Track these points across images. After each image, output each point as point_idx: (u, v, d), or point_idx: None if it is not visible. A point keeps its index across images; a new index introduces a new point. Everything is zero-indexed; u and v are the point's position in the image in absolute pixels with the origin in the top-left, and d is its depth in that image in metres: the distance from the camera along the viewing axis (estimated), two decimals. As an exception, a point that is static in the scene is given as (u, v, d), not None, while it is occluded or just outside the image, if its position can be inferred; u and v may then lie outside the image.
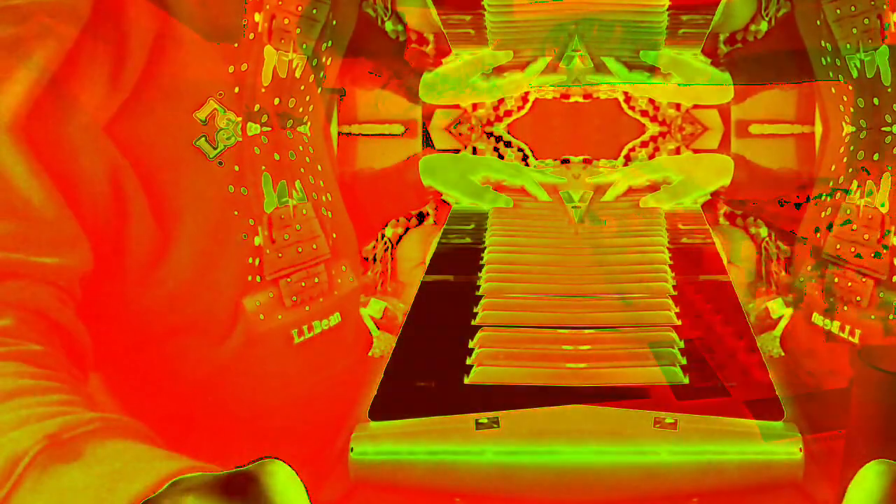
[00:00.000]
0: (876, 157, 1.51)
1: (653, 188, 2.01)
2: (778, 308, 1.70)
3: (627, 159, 2.02)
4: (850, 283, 1.51)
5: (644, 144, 2.03)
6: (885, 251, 1.46)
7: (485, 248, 1.88)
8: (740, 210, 1.91)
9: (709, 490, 1.24)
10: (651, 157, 2.02)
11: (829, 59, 1.59)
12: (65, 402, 0.87)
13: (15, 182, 1.05)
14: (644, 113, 2.02)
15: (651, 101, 2.01)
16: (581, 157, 2.02)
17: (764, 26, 1.83)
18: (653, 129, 2.03)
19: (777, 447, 1.25)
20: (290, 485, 0.65)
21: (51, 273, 1.07)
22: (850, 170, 1.58)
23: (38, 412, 0.83)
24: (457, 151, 2.02)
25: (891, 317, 1.45)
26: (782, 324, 1.68)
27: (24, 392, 0.86)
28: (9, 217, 1.05)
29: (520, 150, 2.05)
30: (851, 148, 1.59)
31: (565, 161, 2.05)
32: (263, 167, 1.45)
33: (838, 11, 1.53)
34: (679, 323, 1.57)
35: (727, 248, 1.88)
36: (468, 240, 1.96)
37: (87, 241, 1.13)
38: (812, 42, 1.64)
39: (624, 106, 2.02)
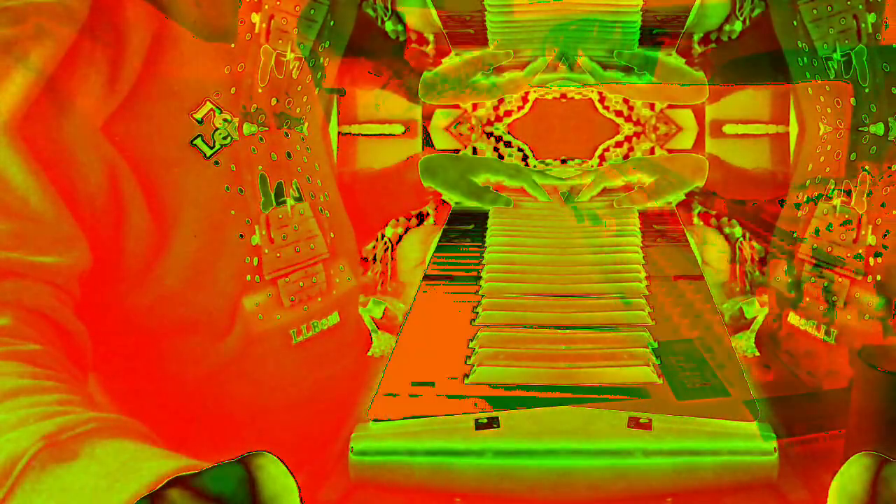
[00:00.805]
0: (853, 157, 1.51)
1: (627, 189, 2.01)
2: (752, 308, 1.70)
3: (602, 159, 2.02)
4: (826, 283, 1.51)
5: (619, 144, 2.03)
6: (862, 251, 1.45)
7: (485, 248, 1.88)
8: (715, 210, 1.91)
9: (683, 490, 1.23)
10: (626, 157, 2.02)
11: (805, 60, 1.59)
12: (63, 401, 0.87)
13: (13, 182, 1.06)
14: (619, 113, 2.02)
15: (626, 101, 2.00)
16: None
17: (738, 26, 1.82)
18: (627, 129, 2.03)
19: (752, 447, 1.25)
20: (279, 478, 0.64)
21: (49, 272, 1.07)
22: (827, 170, 1.57)
23: (37, 412, 0.83)
24: (457, 151, 2.02)
25: (867, 316, 1.44)
26: (756, 324, 1.68)
27: (23, 392, 0.86)
28: (7, 217, 1.05)
29: (520, 150, 2.05)
30: (828, 148, 1.58)
31: (565, 161, 2.05)
32: (260, 167, 1.45)
33: (815, 12, 1.53)
34: (653, 323, 1.57)
35: (701, 248, 1.88)
36: (468, 240, 1.97)
37: (85, 240, 1.13)
38: (788, 42, 1.64)
39: (598, 106, 2.02)
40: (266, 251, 1.44)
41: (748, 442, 1.24)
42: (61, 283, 1.09)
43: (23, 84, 1.08)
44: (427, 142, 1.99)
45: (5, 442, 0.78)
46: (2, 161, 1.05)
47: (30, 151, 1.07)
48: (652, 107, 2.00)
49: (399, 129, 1.94)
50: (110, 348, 1.26)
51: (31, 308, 1.03)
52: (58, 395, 0.88)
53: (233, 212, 1.39)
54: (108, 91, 1.19)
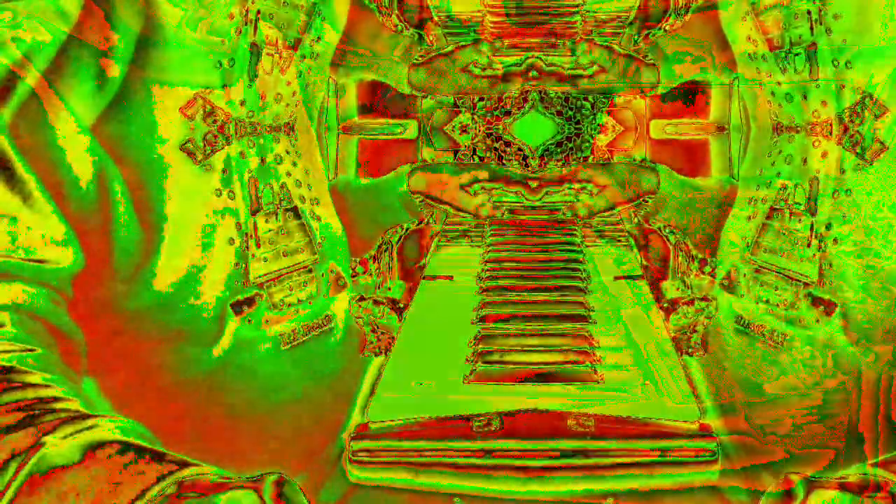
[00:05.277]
0: (805, 157, 1.47)
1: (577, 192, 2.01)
2: (695, 310, 1.68)
3: (543, 160, 2.00)
4: (776, 288, 1.48)
5: (559, 144, 2.01)
6: (813, 255, 1.43)
7: (485, 248, 1.88)
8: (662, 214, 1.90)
9: (625, 489, 1.24)
10: (566, 158, 2.00)
11: (756, 55, 1.55)
12: (62, 403, 0.88)
13: (7, 184, 1.06)
14: (559, 113, 2.00)
15: (566, 100, 1.98)
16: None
17: (678, 20, 1.78)
18: (570, 128, 2.01)
19: (693, 448, 1.25)
20: (293, 499, 0.66)
21: (43, 274, 1.08)
22: (779, 171, 1.54)
23: (36, 414, 0.83)
24: (456, 152, 2.02)
25: (819, 321, 1.42)
26: (700, 326, 1.66)
27: (22, 395, 0.87)
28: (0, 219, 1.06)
29: (519, 150, 2.05)
30: (780, 148, 1.55)
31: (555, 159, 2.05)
32: (248, 171, 1.46)
33: (768, 5, 1.49)
34: (592, 317, 1.58)
35: (643, 251, 1.89)
36: (468, 240, 1.97)
37: (78, 241, 1.15)
38: (738, 37, 1.60)
39: (539, 107, 2.00)
40: (252, 256, 1.44)
41: (690, 443, 1.26)
42: (55, 286, 1.10)
43: (14, 84, 1.09)
44: (427, 142, 1.98)
45: (5, 443, 0.78)
46: None
47: (22, 152, 1.09)
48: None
49: (398, 129, 1.94)
50: (106, 350, 1.27)
51: (26, 312, 1.05)
52: (56, 398, 0.89)
53: (221, 216, 1.39)
54: (97, 90, 1.20)
